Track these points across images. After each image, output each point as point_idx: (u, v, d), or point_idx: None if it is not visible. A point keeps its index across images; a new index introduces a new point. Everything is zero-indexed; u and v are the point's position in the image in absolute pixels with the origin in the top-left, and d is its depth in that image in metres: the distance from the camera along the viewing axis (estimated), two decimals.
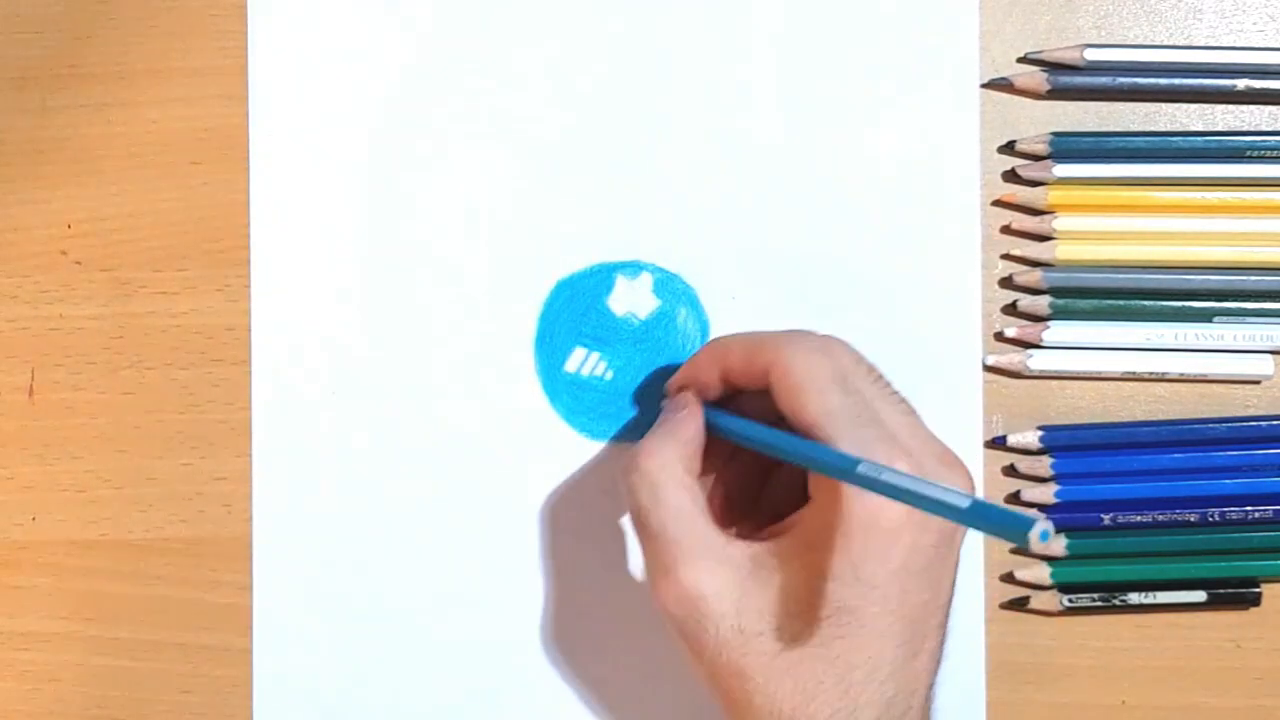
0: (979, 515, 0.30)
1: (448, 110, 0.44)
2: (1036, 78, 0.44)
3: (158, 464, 0.45)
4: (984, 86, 0.44)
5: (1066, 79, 0.44)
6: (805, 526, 0.36)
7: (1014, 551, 0.44)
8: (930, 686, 0.37)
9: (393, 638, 0.44)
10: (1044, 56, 0.44)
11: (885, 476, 0.33)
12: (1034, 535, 0.28)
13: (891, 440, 0.35)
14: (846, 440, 0.35)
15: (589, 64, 0.44)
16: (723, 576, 0.36)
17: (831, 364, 0.37)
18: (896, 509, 0.34)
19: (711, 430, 0.40)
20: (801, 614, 0.36)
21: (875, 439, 0.35)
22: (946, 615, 0.37)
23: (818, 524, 0.36)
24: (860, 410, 0.36)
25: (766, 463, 0.41)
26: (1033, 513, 0.30)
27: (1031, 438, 0.44)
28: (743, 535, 0.38)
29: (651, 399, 0.44)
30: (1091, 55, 0.43)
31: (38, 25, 0.45)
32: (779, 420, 0.38)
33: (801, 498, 0.38)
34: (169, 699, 0.45)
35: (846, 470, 0.34)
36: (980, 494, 0.44)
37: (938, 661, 0.37)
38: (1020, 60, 0.44)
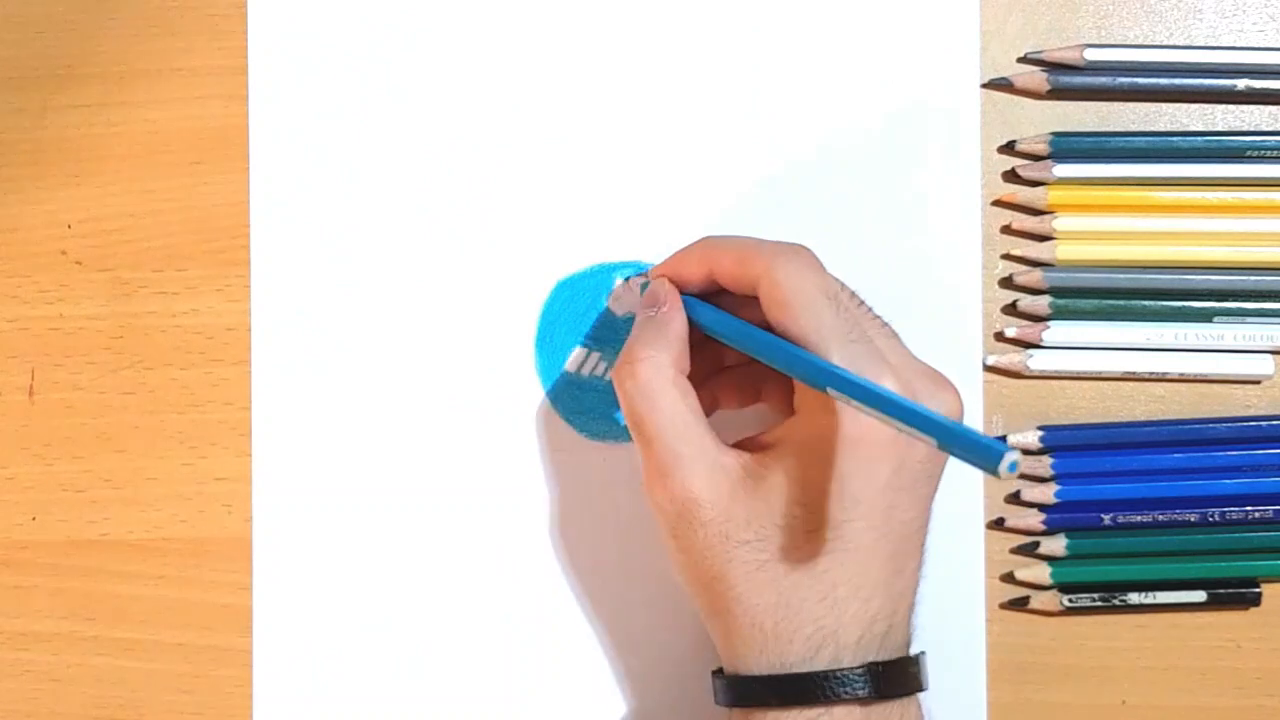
0: (951, 437, 0.30)
1: (447, 110, 0.44)
2: (1037, 78, 0.44)
3: (158, 464, 0.45)
4: (984, 86, 0.44)
5: (1067, 79, 0.44)
6: (793, 439, 0.36)
7: (1014, 551, 0.44)
8: (911, 605, 0.37)
9: (393, 637, 0.44)
10: (1044, 56, 0.44)
11: (865, 385, 0.33)
12: (1003, 466, 0.28)
13: (880, 358, 0.36)
14: (837, 355, 0.35)
15: (590, 64, 0.44)
16: (714, 483, 0.36)
17: (823, 281, 0.37)
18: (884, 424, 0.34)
19: (690, 321, 0.39)
20: (789, 527, 0.36)
21: (864, 355, 0.35)
22: (927, 534, 0.37)
23: (805, 437, 0.36)
24: (850, 328, 0.36)
25: (755, 375, 0.40)
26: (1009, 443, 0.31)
27: (1032, 437, 0.44)
28: (737, 444, 0.38)
29: None
30: (1091, 55, 0.43)
31: (38, 25, 0.45)
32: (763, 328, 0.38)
33: (788, 410, 0.38)
34: (169, 699, 0.45)
35: (826, 377, 0.34)
36: (980, 487, 0.44)
37: (918, 580, 0.37)
38: (1020, 60, 0.44)
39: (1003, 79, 0.44)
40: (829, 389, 0.34)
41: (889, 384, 0.35)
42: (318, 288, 0.44)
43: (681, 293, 0.40)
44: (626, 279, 0.44)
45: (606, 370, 0.44)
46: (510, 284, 0.44)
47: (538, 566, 0.44)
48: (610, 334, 0.44)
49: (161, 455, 0.45)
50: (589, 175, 0.44)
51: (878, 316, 0.38)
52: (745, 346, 0.38)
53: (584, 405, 0.44)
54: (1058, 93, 0.44)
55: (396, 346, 0.44)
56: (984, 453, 0.29)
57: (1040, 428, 0.44)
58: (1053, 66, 0.44)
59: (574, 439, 0.44)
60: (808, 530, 0.36)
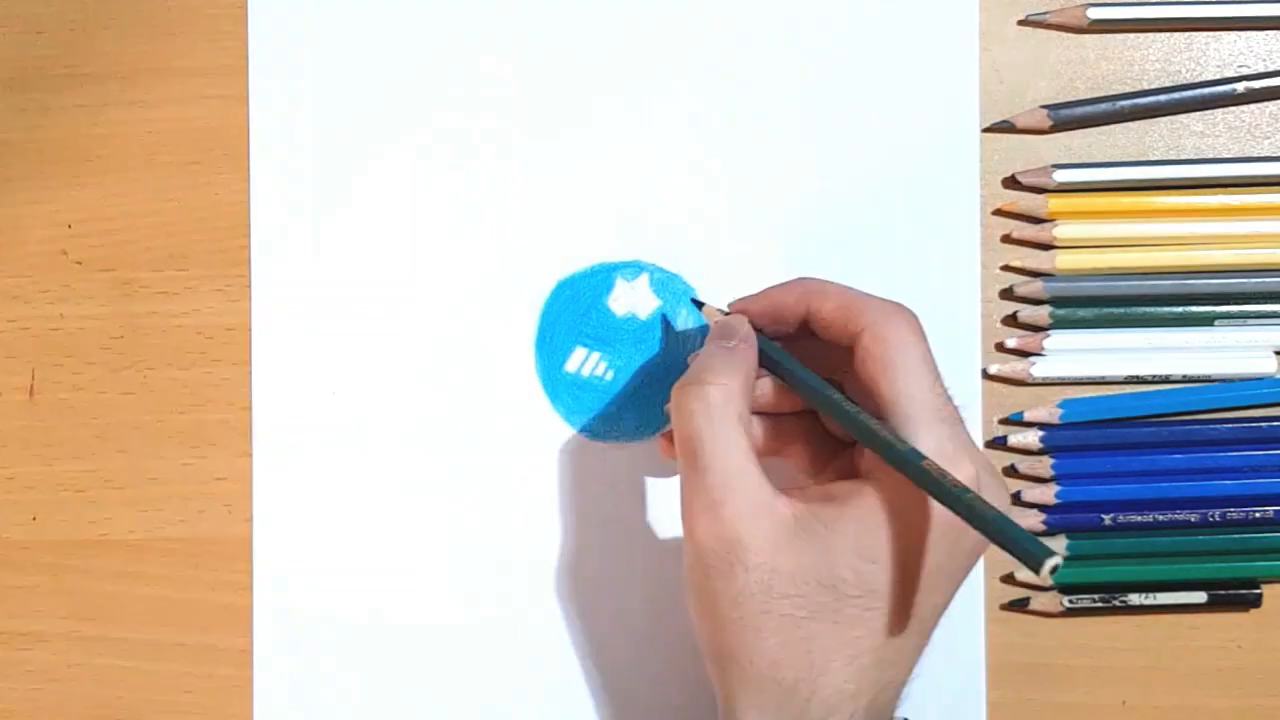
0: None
1: (448, 110, 0.44)
2: (1038, 114, 0.43)
3: (158, 464, 0.45)
4: (986, 130, 0.44)
5: (1068, 112, 0.43)
6: (855, 501, 0.35)
7: None
8: (912, 674, 0.37)
9: (393, 638, 0.44)
10: (1046, 20, 0.44)
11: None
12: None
13: (965, 442, 0.36)
14: (924, 429, 0.35)
15: (591, 64, 0.44)
16: (764, 529, 0.35)
17: (925, 350, 0.37)
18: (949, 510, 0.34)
19: (762, 363, 0.39)
20: (834, 588, 0.35)
21: (951, 438, 0.35)
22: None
23: (867, 502, 0.35)
24: (942, 405, 0.36)
25: (792, 428, 0.40)
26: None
27: (1032, 438, 0.44)
28: (788, 491, 0.37)
29: (651, 399, 0.44)
30: (1095, 14, 0.43)
31: (38, 25, 0.45)
32: (831, 378, 0.37)
33: (812, 470, 0.38)
34: (170, 699, 0.45)
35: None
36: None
37: (923, 650, 0.37)
38: (1021, 23, 0.44)
39: (1005, 122, 0.44)
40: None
41: (966, 469, 0.35)
42: (318, 287, 0.44)
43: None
44: (698, 303, 0.43)
45: (607, 370, 0.44)
46: (510, 284, 0.44)
47: (537, 567, 0.44)
48: (611, 334, 0.44)
49: (162, 455, 0.45)
50: (590, 175, 0.44)
51: (952, 398, 0.37)
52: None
53: (584, 405, 0.44)
54: (1060, 126, 0.44)
55: (396, 347, 0.44)
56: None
57: (1042, 426, 0.43)
58: (1054, 29, 0.44)
59: (574, 439, 0.44)
60: (851, 595, 0.35)
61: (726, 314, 0.41)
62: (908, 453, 0.34)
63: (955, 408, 0.37)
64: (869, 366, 0.36)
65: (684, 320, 0.44)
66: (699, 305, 0.43)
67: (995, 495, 0.36)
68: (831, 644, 0.35)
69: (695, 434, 0.36)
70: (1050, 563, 0.31)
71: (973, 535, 0.34)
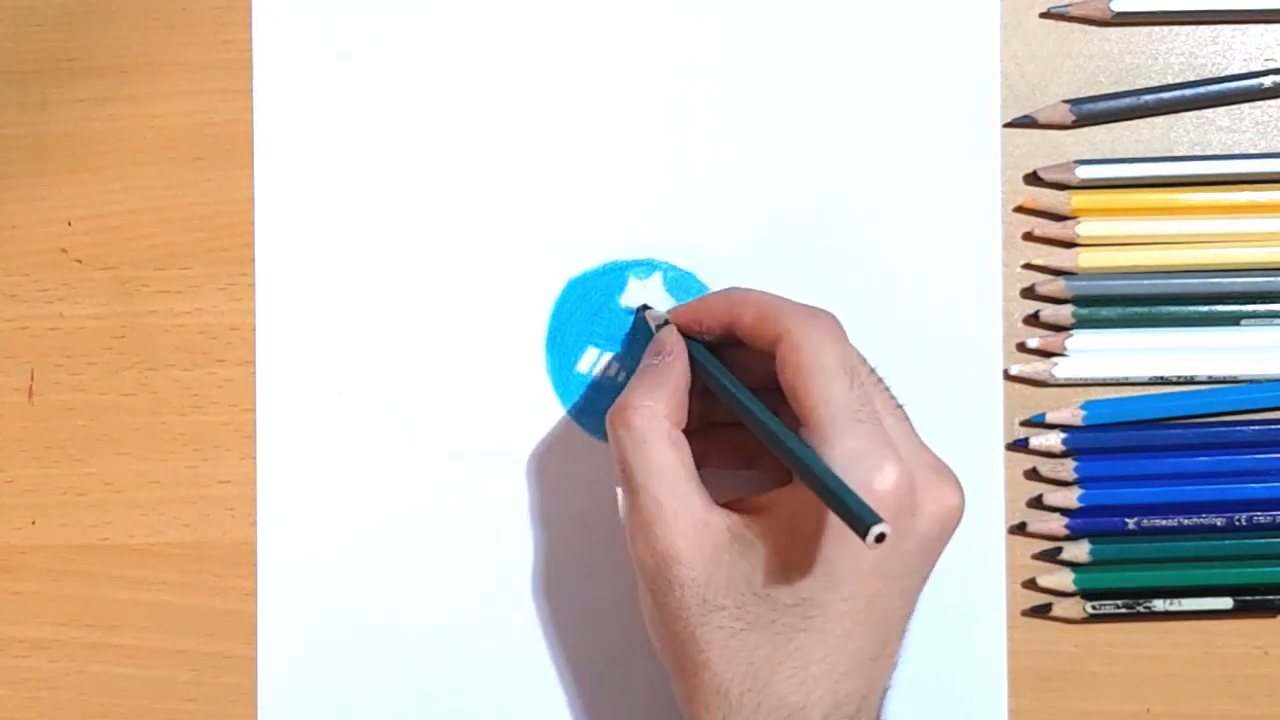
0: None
1: (457, 105, 0.44)
2: (1060, 109, 0.43)
3: (160, 467, 0.44)
4: (1007, 126, 0.43)
5: (1090, 106, 0.43)
6: (786, 508, 0.36)
7: (1037, 557, 0.43)
8: (884, 689, 0.37)
9: (399, 644, 0.44)
10: (1069, 12, 0.43)
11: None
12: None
13: (886, 441, 0.35)
14: (843, 431, 0.35)
15: (602, 61, 0.44)
16: (696, 543, 0.36)
17: (842, 351, 0.36)
18: (880, 510, 0.33)
19: (695, 370, 0.39)
20: (769, 598, 0.35)
21: (870, 437, 0.35)
22: (908, 624, 0.37)
23: (798, 508, 0.35)
24: (861, 405, 0.35)
25: (751, 437, 0.40)
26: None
27: (1054, 440, 0.43)
28: (727, 503, 0.37)
29: None
30: (1119, 5, 0.43)
31: (38, 19, 0.44)
32: (768, 386, 0.37)
33: (781, 477, 0.38)
34: (171, 707, 0.44)
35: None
36: (1001, 492, 0.43)
37: (894, 665, 0.37)
38: (1043, 15, 0.43)
39: (1026, 117, 0.43)
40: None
41: (890, 469, 0.34)
42: (324, 286, 0.44)
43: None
44: (646, 308, 0.43)
45: (619, 371, 0.44)
46: (521, 282, 0.44)
47: (547, 570, 0.44)
48: (623, 334, 0.44)
49: (164, 458, 0.44)
50: (602, 171, 0.44)
51: (893, 398, 0.38)
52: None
53: (596, 407, 0.44)
54: (1082, 121, 0.43)
55: (404, 347, 0.44)
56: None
57: (1065, 428, 0.43)
58: (1078, 21, 0.43)
59: (585, 441, 0.44)
60: (787, 604, 0.35)
61: (665, 321, 0.41)
62: (774, 439, 0.35)
63: (891, 406, 0.37)
64: (787, 374, 0.36)
65: None
66: (644, 310, 0.43)
67: (935, 494, 0.36)
68: (773, 655, 0.35)
69: (625, 459, 0.37)
70: (876, 530, 0.30)
71: (917, 533, 0.35)
